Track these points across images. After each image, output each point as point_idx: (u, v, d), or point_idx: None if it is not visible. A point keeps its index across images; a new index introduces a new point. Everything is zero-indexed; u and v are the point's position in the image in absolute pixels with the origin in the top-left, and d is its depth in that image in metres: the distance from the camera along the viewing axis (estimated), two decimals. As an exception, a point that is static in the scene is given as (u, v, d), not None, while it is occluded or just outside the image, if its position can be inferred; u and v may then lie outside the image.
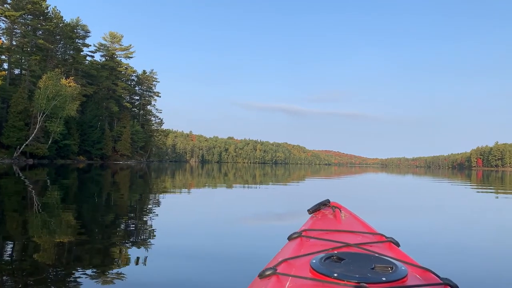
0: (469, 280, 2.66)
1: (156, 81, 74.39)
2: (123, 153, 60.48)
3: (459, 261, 3.26)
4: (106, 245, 3.52)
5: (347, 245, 1.38)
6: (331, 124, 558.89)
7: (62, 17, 51.05)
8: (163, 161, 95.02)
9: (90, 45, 59.75)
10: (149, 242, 3.73)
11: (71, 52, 54.24)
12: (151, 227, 4.52)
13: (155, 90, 74.65)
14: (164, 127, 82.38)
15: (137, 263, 2.95)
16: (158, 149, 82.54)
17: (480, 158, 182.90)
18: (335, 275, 1.05)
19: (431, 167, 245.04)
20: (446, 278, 1.11)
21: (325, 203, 2.07)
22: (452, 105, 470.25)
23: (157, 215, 5.57)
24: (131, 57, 68.49)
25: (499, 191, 14.15)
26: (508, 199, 10.61)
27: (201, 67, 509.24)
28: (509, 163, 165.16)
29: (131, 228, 4.42)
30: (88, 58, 60.26)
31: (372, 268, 1.12)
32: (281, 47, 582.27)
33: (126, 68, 67.30)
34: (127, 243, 3.66)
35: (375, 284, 1.02)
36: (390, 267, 1.12)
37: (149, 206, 6.65)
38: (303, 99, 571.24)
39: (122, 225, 4.63)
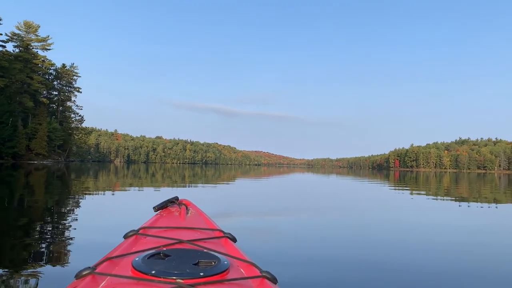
0: (293, 272, 2.80)
1: (77, 76, 70.12)
2: (38, 152, 56.00)
3: (293, 256, 3.37)
4: (18, 247, 3.26)
5: (180, 241, 1.36)
6: (261, 125, 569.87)
7: (-33, 0, 45.86)
8: (85, 161, 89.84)
9: (1, 34, 54.45)
10: (63, 241, 3.48)
11: (-22, 40, 48.94)
12: (65, 228, 4.20)
13: (75, 85, 70.31)
14: (86, 125, 78.06)
15: (48, 262, 2.82)
16: (78, 148, 77.72)
17: (397, 159, 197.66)
18: (153, 272, 1.05)
19: (353, 167, 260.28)
20: (266, 271, 1.15)
21: (173, 200, 2.04)
22: (373, 109, 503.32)
23: (71, 216, 5.17)
24: (49, 49, 63.58)
25: (413, 191, 15.39)
26: (407, 196, 11.54)
27: (128, 63, 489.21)
28: (422, 164, 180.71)
29: (45, 230, 4.07)
30: (-1, 48, 54.81)
31: (195, 264, 1.13)
32: (212, 47, 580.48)
33: (43, 60, 62.38)
34: (41, 244, 3.39)
35: (192, 279, 1.03)
36: (214, 262, 1.15)
37: (66, 208, 6.18)
38: (235, 100, 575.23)
39: (36, 228, 4.24)
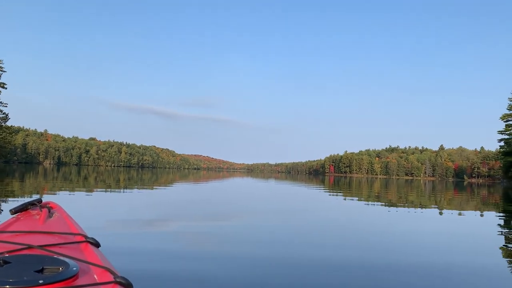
0: (154, 277, 2.75)
1: (1, 71, 64.63)
2: (-46, 152, 50.75)
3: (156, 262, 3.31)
4: None
5: (30, 247, 1.26)
6: (202, 129, 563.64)
7: None
8: (10, 162, 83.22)
9: None
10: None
11: None
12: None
13: None
14: (11, 123, 72.20)
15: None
16: (2, 148, 71.61)
17: (332, 165, 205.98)
18: None
19: (291, 172, 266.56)
20: (121, 277, 1.10)
21: (34, 203, 1.91)
22: (310, 115, 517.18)
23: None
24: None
25: (346, 194, 15.97)
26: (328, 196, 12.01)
27: (59, 59, 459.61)
28: (355, 170, 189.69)
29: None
30: None
31: (39, 270, 1.05)
32: (155, 47, 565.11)
33: (-37, 51, 56.83)
34: None
35: (29, 287, 0.97)
36: (61, 268, 1.08)
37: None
38: (175, 102, 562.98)
39: None
